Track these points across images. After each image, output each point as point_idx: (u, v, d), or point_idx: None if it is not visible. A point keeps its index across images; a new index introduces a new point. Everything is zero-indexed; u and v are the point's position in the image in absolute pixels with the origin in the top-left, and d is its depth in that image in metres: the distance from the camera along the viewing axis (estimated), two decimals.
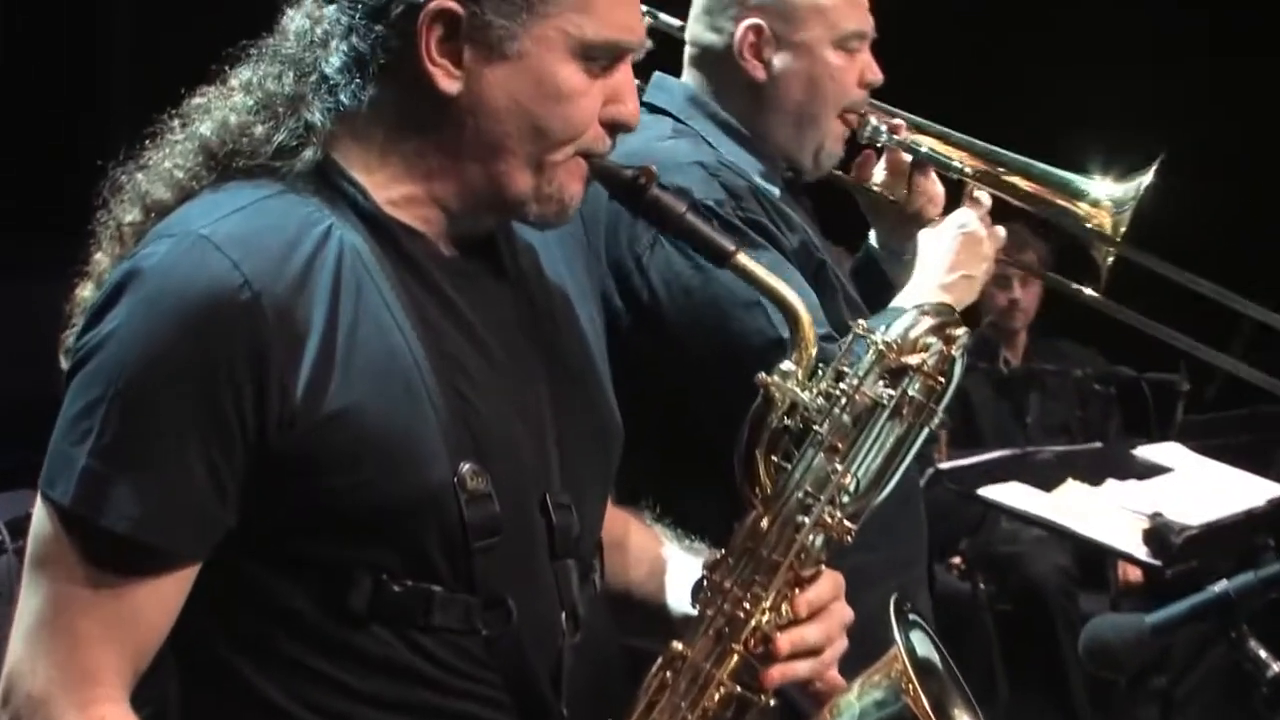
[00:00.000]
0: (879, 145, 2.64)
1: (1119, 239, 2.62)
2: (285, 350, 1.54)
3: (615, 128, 1.67)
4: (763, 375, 1.70)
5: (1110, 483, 3.54)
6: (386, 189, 1.65)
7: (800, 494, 1.70)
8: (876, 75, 2.56)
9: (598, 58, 1.64)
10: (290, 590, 1.58)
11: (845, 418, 1.69)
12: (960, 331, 1.75)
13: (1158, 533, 3.26)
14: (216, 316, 1.52)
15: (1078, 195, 2.67)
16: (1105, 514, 3.44)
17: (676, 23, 2.73)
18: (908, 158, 2.65)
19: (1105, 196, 2.66)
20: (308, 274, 1.56)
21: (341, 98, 1.63)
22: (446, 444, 1.58)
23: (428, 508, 1.58)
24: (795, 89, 2.51)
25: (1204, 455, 3.64)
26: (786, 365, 1.70)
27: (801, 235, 2.48)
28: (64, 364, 1.60)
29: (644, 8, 2.65)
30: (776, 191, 2.53)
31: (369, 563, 1.58)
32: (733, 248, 1.70)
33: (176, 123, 1.68)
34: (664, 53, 2.61)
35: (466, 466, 1.58)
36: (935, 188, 2.66)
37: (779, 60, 2.50)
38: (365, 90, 1.63)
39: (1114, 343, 4.92)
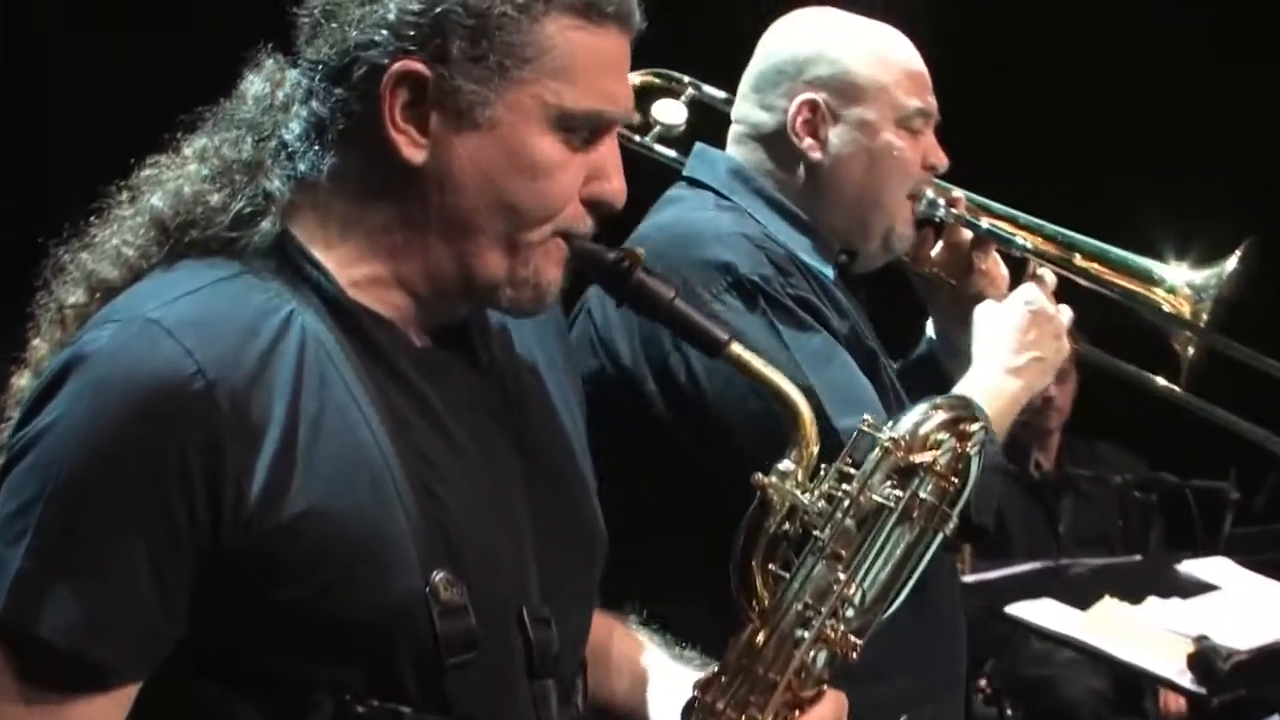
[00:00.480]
0: (936, 220, 2.55)
1: (1202, 327, 2.55)
2: (242, 445, 1.47)
3: (598, 206, 1.60)
4: (759, 476, 1.64)
5: (1152, 600, 3.44)
6: (349, 268, 1.59)
7: (800, 606, 1.64)
8: (941, 159, 2.49)
9: (578, 129, 1.57)
10: (243, 711, 1.50)
11: (849, 522, 1.63)
12: (976, 427, 1.69)
13: (1203, 657, 3.14)
14: (166, 406, 1.46)
15: (1155, 282, 2.59)
16: (1145, 635, 3.32)
17: (721, 95, 2.69)
18: (968, 235, 2.56)
19: (1184, 283, 2.58)
20: (267, 363, 1.50)
21: (300, 165, 1.58)
22: (418, 550, 1.51)
23: (397, 620, 1.50)
24: (855, 169, 2.43)
25: (1255, 571, 3.53)
26: (785, 465, 1.64)
27: (852, 322, 2.40)
28: None
29: (686, 78, 2.74)
30: (830, 273, 2.46)
31: (331, 681, 1.50)
32: (725, 337, 1.63)
33: (125, 196, 1.63)
34: (707, 125, 2.63)
35: (440, 575, 1.51)
36: (997, 268, 2.57)
37: (836, 138, 2.43)
38: (325, 158, 1.58)
39: (1156, 447, 4.85)
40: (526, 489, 1.63)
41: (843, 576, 1.64)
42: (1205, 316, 2.55)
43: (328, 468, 1.50)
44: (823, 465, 1.66)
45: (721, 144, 2.54)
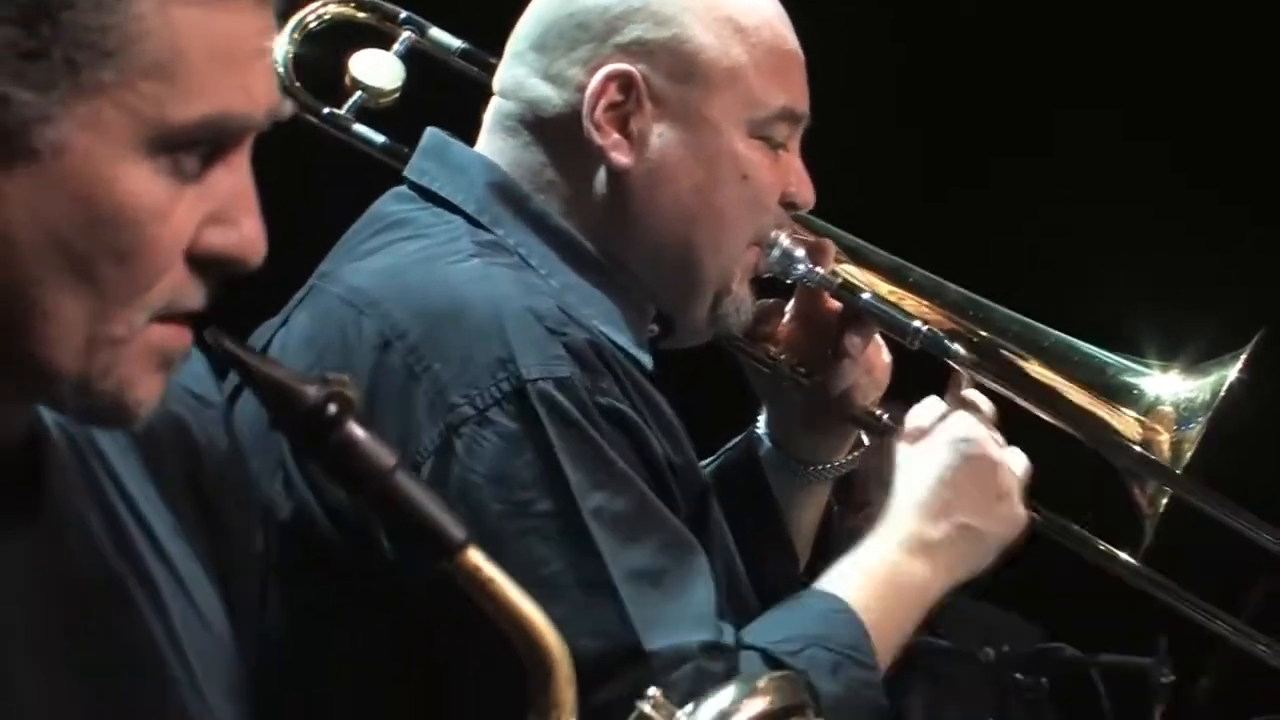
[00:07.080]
0: (789, 282, 2.20)
1: (1180, 470, 2.26)
2: None
3: (218, 266, 1.38)
4: None
5: None
6: None
7: None
8: (807, 195, 2.11)
9: (190, 148, 1.37)
10: None
11: None
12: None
13: None
14: None
15: (1122, 394, 2.30)
16: None
17: (458, 44, 2.34)
18: (836, 306, 2.23)
19: (1168, 397, 2.32)
20: None
21: None
22: None
23: None
24: (680, 188, 2.05)
25: None
26: None
27: (684, 445, 2.06)
28: None
29: (404, 13, 2.38)
30: (648, 361, 2.08)
31: None
32: (460, 538, 1.42)
33: None
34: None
35: None
36: (880, 356, 2.26)
37: (657, 136, 2.05)
38: None
39: (1050, 607, 4.37)
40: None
41: None
42: (1189, 451, 2.30)
43: None
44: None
45: (459, 126, 2.15)
